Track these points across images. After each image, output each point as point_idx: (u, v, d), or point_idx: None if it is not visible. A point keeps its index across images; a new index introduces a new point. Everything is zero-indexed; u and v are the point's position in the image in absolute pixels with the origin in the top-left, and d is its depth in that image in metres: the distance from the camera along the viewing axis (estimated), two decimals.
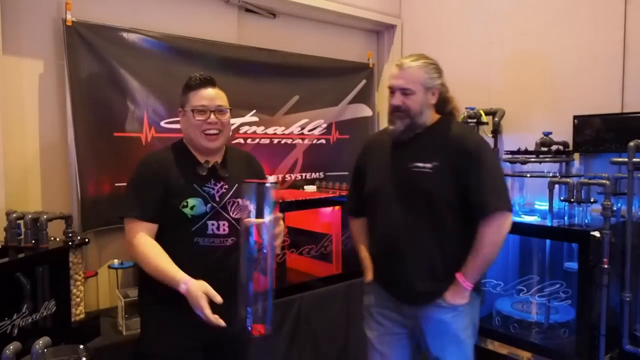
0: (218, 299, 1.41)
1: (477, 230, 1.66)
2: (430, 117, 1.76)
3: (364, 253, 1.91)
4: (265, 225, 1.47)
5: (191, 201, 1.60)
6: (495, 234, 1.65)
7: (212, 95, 1.64)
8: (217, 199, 1.64)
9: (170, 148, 1.71)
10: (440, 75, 1.74)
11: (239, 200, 1.67)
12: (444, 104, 1.79)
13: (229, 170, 1.69)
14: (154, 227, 1.58)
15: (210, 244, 1.61)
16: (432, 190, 1.67)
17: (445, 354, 1.73)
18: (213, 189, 1.64)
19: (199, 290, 1.42)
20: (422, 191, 1.68)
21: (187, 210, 1.59)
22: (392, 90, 1.72)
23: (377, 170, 1.82)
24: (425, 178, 1.67)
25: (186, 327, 1.59)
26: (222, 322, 1.41)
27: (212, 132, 1.63)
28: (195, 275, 1.49)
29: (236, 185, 1.68)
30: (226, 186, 1.67)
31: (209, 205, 1.62)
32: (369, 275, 1.87)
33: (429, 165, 1.68)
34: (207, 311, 1.40)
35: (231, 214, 1.66)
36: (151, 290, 1.60)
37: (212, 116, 1.63)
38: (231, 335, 1.69)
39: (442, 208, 1.67)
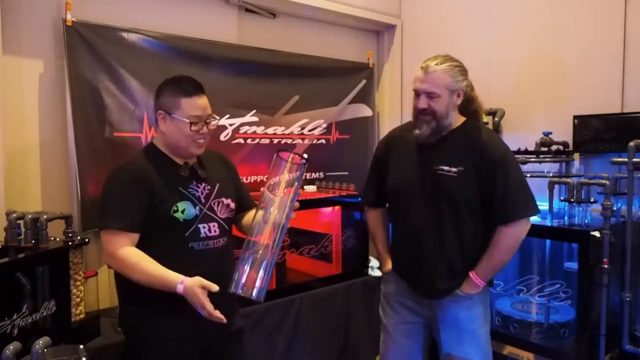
0: (215, 287, 1.41)
1: (495, 232, 1.71)
2: (455, 118, 1.78)
3: (382, 244, 1.98)
4: (286, 200, 1.48)
5: (181, 205, 1.56)
6: (512, 239, 1.71)
7: (205, 105, 1.61)
8: (203, 200, 1.62)
9: (142, 155, 1.65)
10: (466, 76, 1.75)
11: (223, 199, 1.67)
12: (467, 104, 1.81)
13: (207, 171, 1.68)
14: (136, 237, 1.53)
15: (205, 247, 1.59)
16: (455, 194, 1.71)
17: (461, 345, 1.78)
18: (197, 190, 1.62)
19: (195, 287, 1.41)
20: (445, 193, 1.72)
21: (178, 215, 1.55)
22: (417, 93, 1.73)
23: (401, 168, 1.84)
24: (449, 181, 1.71)
25: (185, 335, 1.58)
26: (223, 318, 1.41)
27: (201, 140, 1.62)
28: (193, 276, 1.46)
29: (218, 184, 1.68)
30: (208, 187, 1.65)
31: (197, 207, 1.60)
32: (388, 266, 1.93)
33: (454, 169, 1.71)
34: (209, 306, 1.40)
35: (218, 214, 1.65)
36: (143, 304, 1.56)
37: (205, 128, 1.61)
38: (228, 335, 1.70)
39: (463, 210, 1.72)
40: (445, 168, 1.72)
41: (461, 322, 1.77)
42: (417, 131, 1.76)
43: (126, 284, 1.56)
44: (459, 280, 1.76)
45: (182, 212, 1.56)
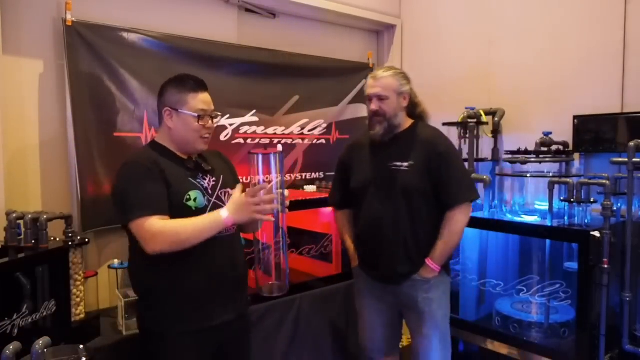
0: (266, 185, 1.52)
1: (444, 219, 1.95)
2: (404, 120, 2.05)
3: (349, 242, 2.18)
4: (274, 186, 1.56)
5: (193, 194, 1.61)
6: (458, 222, 1.95)
7: (209, 100, 1.69)
8: (210, 191, 1.68)
9: (149, 149, 1.69)
10: (409, 82, 2.04)
11: (229, 190, 1.73)
12: (414, 108, 2.08)
13: (210, 165, 1.75)
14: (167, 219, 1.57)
15: (218, 234, 1.62)
16: (408, 185, 1.95)
17: (420, 327, 2.00)
18: (204, 181, 1.68)
19: (237, 200, 1.50)
20: (399, 185, 1.96)
21: (191, 204, 1.60)
22: (370, 98, 2.01)
23: (361, 168, 2.09)
24: (402, 175, 1.96)
25: (202, 330, 1.62)
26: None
27: (207, 136, 1.68)
28: (210, 266, 1.58)
29: (222, 176, 1.74)
30: (214, 179, 1.71)
31: (206, 197, 1.65)
32: (356, 261, 2.15)
33: (405, 164, 1.96)
34: (265, 202, 1.49)
35: (226, 204, 1.68)
36: (161, 299, 1.61)
37: (210, 122, 1.68)
38: (241, 330, 1.79)
39: (417, 199, 1.95)
40: (398, 164, 1.97)
41: (419, 305, 1.98)
42: (372, 132, 2.02)
43: (145, 279, 1.65)
44: (416, 265, 1.97)
45: (194, 200, 1.61)
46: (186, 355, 1.62)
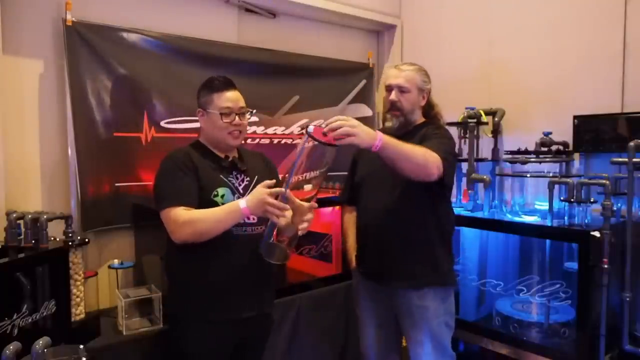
0: (281, 189, 1.53)
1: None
2: (419, 117, 2.01)
3: (350, 243, 2.12)
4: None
5: (221, 190, 1.68)
6: (427, 155, 1.68)
7: (235, 98, 1.75)
8: (241, 190, 1.73)
9: (189, 146, 1.79)
10: (430, 81, 2.00)
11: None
12: (429, 108, 2.05)
13: (247, 165, 1.80)
14: None
15: (244, 232, 1.70)
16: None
17: (415, 333, 1.93)
18: (236, 180, 1.74)
19: (258, 194, 1.50)
20: (402, 177, 1.83)
21: (218, 199, 1.66)
22: (390, 88, 1.94)
23: (367, 161, 2.03)
24: None
25: (225, 321, 1.68)
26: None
27: (235, 131, 1.74)
28: (234, 262, 1.64)
29: (257, 177, 1.79)
30: (247, 179, 1.77)
31: (236, 195, 1.70)
32: (354, 263, 2.09)
33: None
34: (279, 204, 1.50)
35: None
36: (189, 288, 1.69)
37: (237, 118, 1.73)
38: (262, 327, 1.85)
39: (419, 193, 1.86)
40: None
41: (413, 311, 1.91)
42: (388, 124, 1.96)
43: (175, 269, 1.74)
44: (414, 266, 1.88)
45: (222, 197, 1.68)
46: (207, 344, 1.68)
